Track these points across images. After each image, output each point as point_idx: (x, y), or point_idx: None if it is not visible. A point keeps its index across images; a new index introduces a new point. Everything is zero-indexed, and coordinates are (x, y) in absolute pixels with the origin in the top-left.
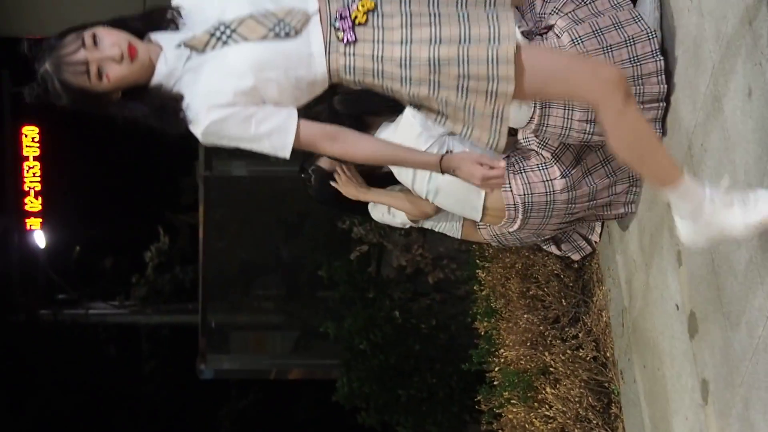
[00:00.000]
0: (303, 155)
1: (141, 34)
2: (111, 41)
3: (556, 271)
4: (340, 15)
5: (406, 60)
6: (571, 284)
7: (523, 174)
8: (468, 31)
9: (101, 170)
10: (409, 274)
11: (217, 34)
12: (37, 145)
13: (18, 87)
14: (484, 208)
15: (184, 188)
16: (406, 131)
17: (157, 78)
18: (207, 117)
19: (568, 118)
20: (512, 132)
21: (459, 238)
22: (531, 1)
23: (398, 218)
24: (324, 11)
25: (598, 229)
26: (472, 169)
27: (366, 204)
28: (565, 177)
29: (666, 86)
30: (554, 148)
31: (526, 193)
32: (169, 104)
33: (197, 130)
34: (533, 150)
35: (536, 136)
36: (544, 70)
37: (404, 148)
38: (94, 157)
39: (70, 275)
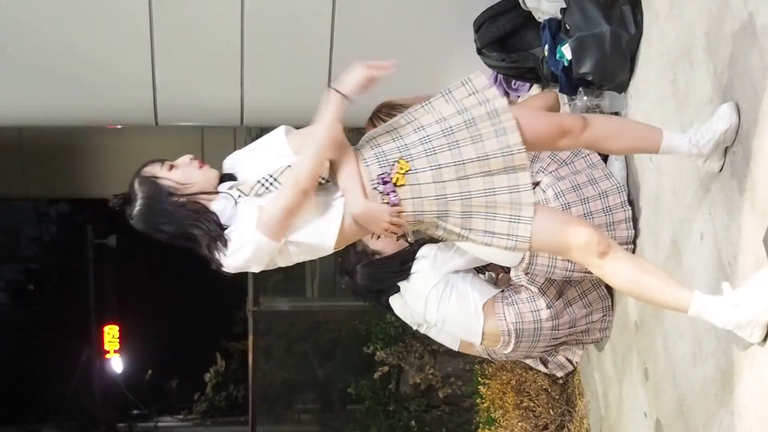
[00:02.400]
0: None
1: None
2: (184, 163)
3: (544, 386)
4: (383, 180)
5: (441, 214)
6: (557, 397)
7: (515, 306)
8: (494, 198)
9: (168, 308)
10: (422, 389)
11: (262, 181)
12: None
13: (99, 239)
14: (483, 333)
15: (236, 320)
16: (419, 271)
17: (214, 207)
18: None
19: (553, 258)
20: (506, 270)
21: (456, 350)
22: None
23: (413, 313)
24: (364, 173)
25: (578, 351)
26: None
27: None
28: (549, 308)
29: (633, 231)
30: (540, 284)
31: (517, 321)
32: (217, 235)
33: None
34: (523, 285)
35: (526, 274)
36: (546, 237)
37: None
38: (161, 297)
39: (143, 394)
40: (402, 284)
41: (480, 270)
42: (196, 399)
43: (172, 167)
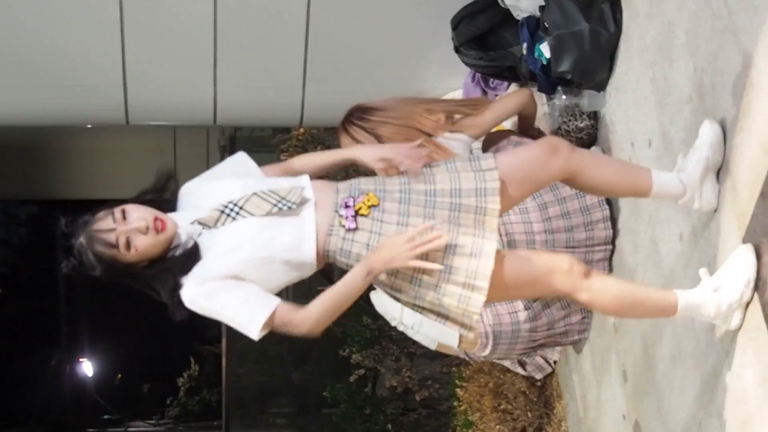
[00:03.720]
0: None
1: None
2: (138, 215)
3: (522, 389)
4: (345, 204)
5: None
6: (535, 399)
7: (493, 307)
8: (455, 239)
9: (140, 311)
10: (399, 393)
11: (226, 211)
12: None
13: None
14: (461, 336)
15: (210, 323)
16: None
17: (180, 248)
18: (194, 289)
19: None
20: None
21: (434, 349)
22: None
23: (391, 311)
24: (326, 199)
25: (556, 353)
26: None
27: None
28: (527, 309)
29: (612, 231)
30: None
31: (495, 323)
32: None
33: (184, 297)
34: None
35: None
36: (513, 281)
37: (333, 290)
38: (133, 300)
39: (114, 399)
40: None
41: None
42: (169, 403)
43: (129, 246)
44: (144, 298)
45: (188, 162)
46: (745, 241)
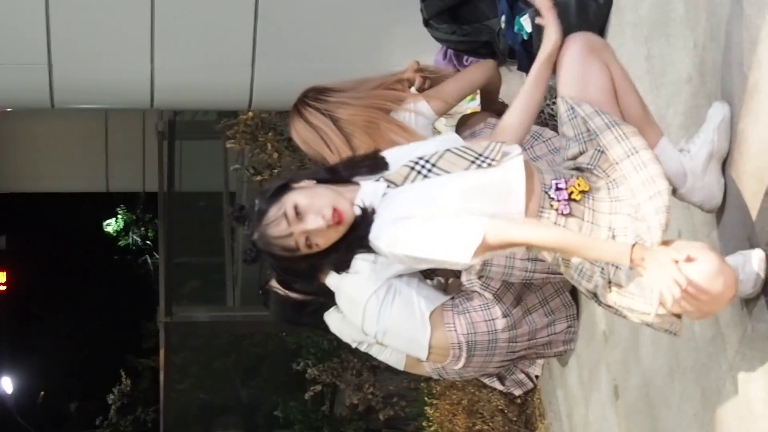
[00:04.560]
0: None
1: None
2: (314, 211)
3: (500, 407)
4: (557, 186)
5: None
6: (515, 419)
7: (467, 314)
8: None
9: (66, 319)
10: (360, 411)
11: (417, 168)
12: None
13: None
14: (430, 347)
15: (146, 333)
16: (356, 273)
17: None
18: (390, 228)
19: (510, 257)
20: (456, 274)
21: (401, 369)
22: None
23: (348, 332)
24: (531, 176)
25: (539, 366)
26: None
27: (322, 315)
28: (506, 317)
29: None
30: (496, 289)
31: (469, 332)
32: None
33: (381, 243)
34: (476, 291)
35: (479, 278)
36: None
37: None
38: (57, 306)
39: (36, 419)
40: (337, 291)
41: (427, 274)
42: (98, 424)
43: (309, 244)
44: (69, 306)
45: (122, 150)
46: (751, 239)
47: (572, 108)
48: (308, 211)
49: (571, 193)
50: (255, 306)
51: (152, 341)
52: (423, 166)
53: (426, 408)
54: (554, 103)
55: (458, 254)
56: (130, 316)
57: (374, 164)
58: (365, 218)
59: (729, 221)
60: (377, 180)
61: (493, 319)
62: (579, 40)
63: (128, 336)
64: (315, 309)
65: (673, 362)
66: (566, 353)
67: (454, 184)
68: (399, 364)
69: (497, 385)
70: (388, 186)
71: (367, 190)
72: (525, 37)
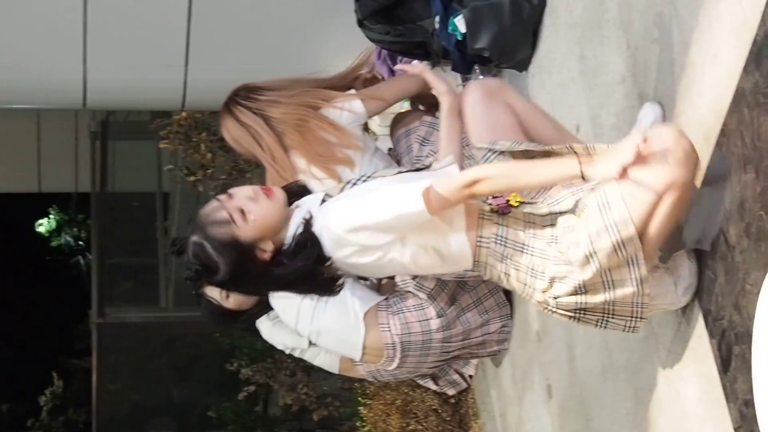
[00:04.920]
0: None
1: None
2: (243, 190)
3: (434, 406)
4: (494, 195)
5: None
6: (448, 418)
7: (401, 315)
8: None
9: None
10: (294, 412)
11: (353, 181)
12: None
13: None
14: (364, 347)
15: (78, 334)
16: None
17: (294, 222)
18: (338, 210)
19: None
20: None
21: (336, 373)
22: (409, 145)
23: (280, 339)
24: None
25: (472, 366)
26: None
27: (255, 322)
28: (441, 317)
29: None
30: (430, 289)
31: (404, 332)
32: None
33: (334, 227)
34: (410, 291)
35: (413, 278)
36: None
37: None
38: None
39: None
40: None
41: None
42: (30, 425)
43: (244, 216)
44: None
45: (54, 150)
46: (684, 241)
47: (489, 149)
48: (238, 193)
49: (508, 200)
50: (188, 307)
51: (85, 342)
52: (359, 179)
53: (360, 408)
54: None
55: (414, 204)
56: (63, 317)
57: (303, 191)
58: (308, 225)
59: None
60: (315, 192)
61: (427, 320)
62: (474, 89)
63: (60, 337)
64: (248, 318)
65: (606, 362)
66: (500, 353)
67: (391, 177)
68: (333, 368)
69: (431, 385)
70: (324, 198)
71: (306, 201)
72: (459, 38)
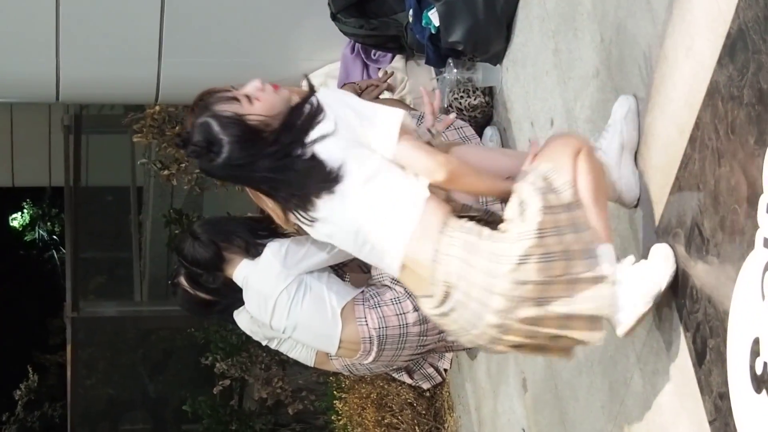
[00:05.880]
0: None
1: None
2: (254, 81)
3: (409, 400)
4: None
5: None
6: (423, 412)
7: (378, 309)
8: None
9: None
10: (270, 406)
11: None
12: None
13: None
14: (340, 341)
15: (52, 329)
16: (266, 269)
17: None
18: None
19: None
20: (365, 269)
21: (311, 366)
22: None
23: (258, 330)
24: None
25: (447, 360)
26: None
27: (231, 312)
28: (417, 310)
29: None
30: None
31: (381, 326)
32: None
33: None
34: (387, 285)
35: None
36: None
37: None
38: None
39: None
40: (246, 287)
41: (338, 268)
42: (5, 420)
43: (250, 99)
44: None
45: (27, 144)
46: (658, 231)
47: None
48: (249, 83)
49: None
50: (162, 301)
51: (59, 337)
52: None
53: (335, 402)
54: (462, 97)
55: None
56: (37, 311)
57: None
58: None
59: (638, 215)
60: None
61: (404, 313)
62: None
63: (34, 332)
64: (223, 308)
65: (581, 355)
66: (475, 347)
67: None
68: (309, 360)
69: (406, 379)
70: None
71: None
72: (433, 31)
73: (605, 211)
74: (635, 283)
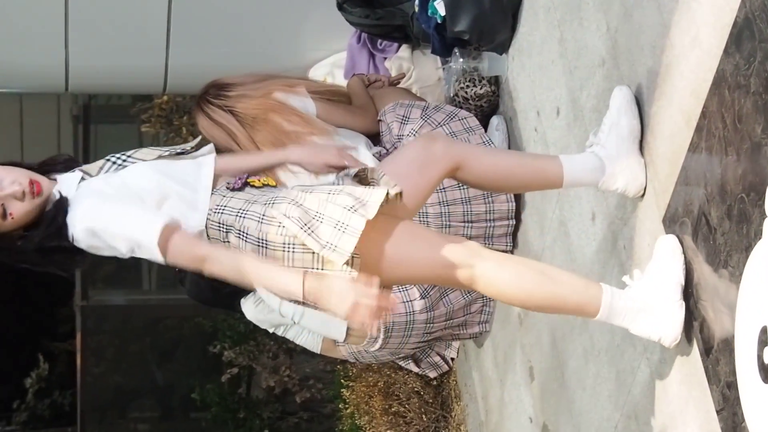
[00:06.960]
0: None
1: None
2: (11, 179)
3: (416, 389)
4: (239, 178)
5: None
6: (430, 400)
7: None
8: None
9: None
10: (277, 394)
11: (113, 159)
12: None
13: None
14: (348, 328)
15: (62, 318)
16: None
17: (50, 204)
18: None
19: None
20: None
21: (318, 352)
22: (389, 125)
23: (264, 318)
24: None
25: (454, 349)
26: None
27: (238, 301)
28: (424, 298)
29: (514, 204)
30: None
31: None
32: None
33: (74, 228)
34: None
35: None
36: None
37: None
38: None
39: None
40: None
41: None
42: (16, 407)
43: (4, 213)
44: None
45: (37, 133)
46: (665, 221)
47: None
48: (5, 178)
49: (252, 181)
50: (171, 289)
51: (68, 325)
52: (118, 158)
53: (342, 390)
54: (468, 86)
55: (148, 235)
56: (46, 301)
57: (69, 164)
58: (61, 205)
59: (645, 205)
60: (72, 170)
61: (411, 300)
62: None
63: (44, 321)
64: (232, 291)
65: (588, 344)
66: (482, 335)
67: (148, 169)
68: (315, 347)
69: (413, 367)
70: (83, 177)
71: (64, 181)
72: (439, 21)
73: (567, 283)
74: (657, 296)
